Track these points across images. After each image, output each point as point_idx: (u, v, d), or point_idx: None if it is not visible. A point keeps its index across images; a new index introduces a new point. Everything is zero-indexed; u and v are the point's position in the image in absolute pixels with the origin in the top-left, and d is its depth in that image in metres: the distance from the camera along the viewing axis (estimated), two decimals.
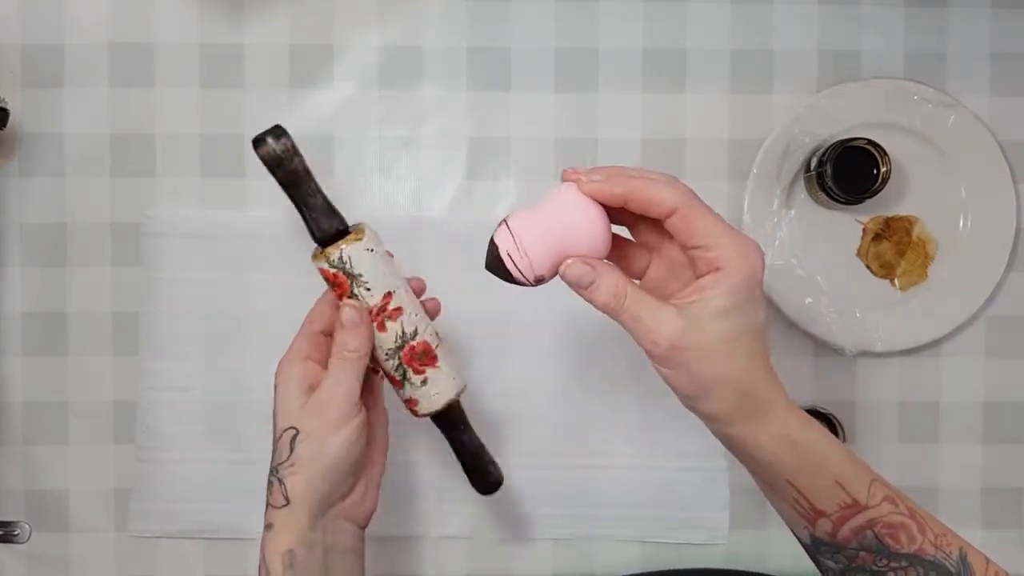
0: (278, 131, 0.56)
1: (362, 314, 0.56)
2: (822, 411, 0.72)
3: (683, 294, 0.48)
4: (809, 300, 0.72)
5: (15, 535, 0.72)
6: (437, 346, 0.59)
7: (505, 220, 0.51)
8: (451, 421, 0.60)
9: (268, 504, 0.54)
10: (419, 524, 0.72)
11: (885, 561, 0.49)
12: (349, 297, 0.56)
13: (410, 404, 0.59)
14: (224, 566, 0.73)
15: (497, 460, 0.62)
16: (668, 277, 0.52)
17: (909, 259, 0.73)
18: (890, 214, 0.73)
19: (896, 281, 0.73)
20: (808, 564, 0.70)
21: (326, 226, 0.57)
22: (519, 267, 0.50)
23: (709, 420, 0.50)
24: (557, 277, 0.50)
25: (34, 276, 0.72)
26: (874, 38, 0.73)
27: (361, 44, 0.73)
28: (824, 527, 0.50)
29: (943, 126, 0.72)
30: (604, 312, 0.49)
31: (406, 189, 0.73)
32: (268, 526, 0.53)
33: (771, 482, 0.51)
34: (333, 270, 0.56)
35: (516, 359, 0.72)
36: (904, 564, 0.49)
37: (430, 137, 0.73)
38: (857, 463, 0.50)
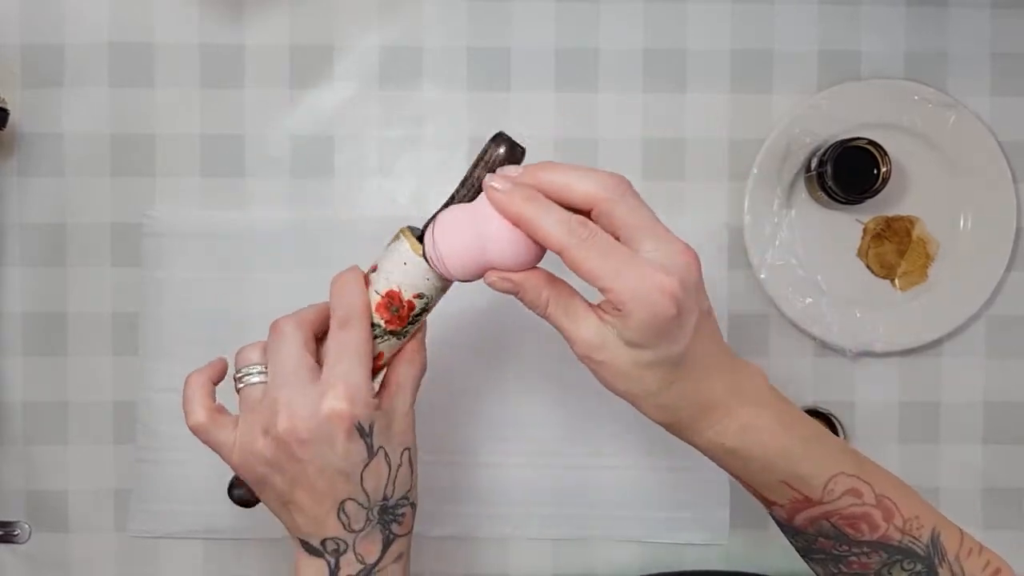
0: (512, 143, 0.50)
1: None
2: (822, 411, 0.72)
3: (604, 305, 0.47)
4: (809, 300, 0.72)
5: (15, 535, 0.72)
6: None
7: (435, 217, 0.49)
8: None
9: (395, 537, 0.51)
10: (419, 524, 0.72)
11: (846, 547, 0.49)
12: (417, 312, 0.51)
13: None
14: (224, 566, 0.73)
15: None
16: None
17: (909, 259, 0.73)
18: (890, 214, 0.73)
19: (896, 281, 0.73)
20: (807, 565, 0.70)
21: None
22: (438, 271, 0.49)
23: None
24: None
25: (34, 276, 0.72)
26: (874, 38, 0.73)
27: (361, 44, 0.73)
28: (779, 513, 0.51)
29: (943, 126, 0.71)
30: (533, 311, 0.49)
31: (406, 189, 0.73)
32: (399, 557, 0.51)
33: (725, 471, 0.51)
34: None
35: (516, 359, 0.72)
36: (866, 550, 0.49)
37: (430, 137, 0.73)
38: (818, 461, 0.49)
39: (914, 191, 0.72)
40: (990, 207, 0.72)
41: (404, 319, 0.51)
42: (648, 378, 0.47)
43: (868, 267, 0.73)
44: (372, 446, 0.48)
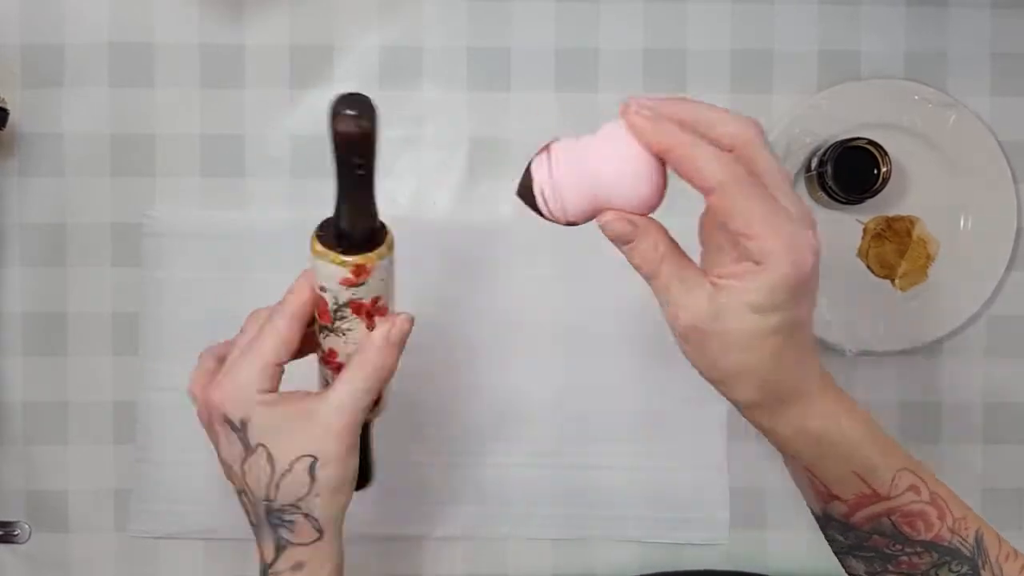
0: (367, 107, 0.45)
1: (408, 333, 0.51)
2: None
3: (722, 272, 0.44)
4: None
5: (15, 535, 0.71)
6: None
7: (548, 146, 0.45)
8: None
9: (288, 544, 0.49)
10: (419, 524, 0.72)
11: (899, 547, 0.48)
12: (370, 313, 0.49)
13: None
14: (224, 567, 0.73)
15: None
16: (718, 232, 0.46)
17: (909, 259, 0.73)
18: (890, 214, 0.73)
19: (896, 281, 0.73)
20: (807, 565, 0.70)
21: (370, 223, 0.49)
22: (551, 209, 0.45)
23: (730, 401, 0.47)
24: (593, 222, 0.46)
25: (34, 276, 0.72)
26: (874, 38, 0.73)
27: (361, 44, 0.73)
28: (838, 509, 0.48)
29: (943, 126, 0.71)
30: (637, 271, 0.46)
31: (406, 189, 0.73)
32: (297, 566, 0.49)
33: (791, 463, 0.49)
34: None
35: (516, 359, 0.72)
36: (919, 550, 0.47)
37: (430, 137, 0.73)
38: (887, 453, 0.47)
39: (914, 191, 0.72)
40: (990, 207, 0.72)
41: (325, 313, 0.50)
42: (766, 348, 0.43)
43: (868, 267, 0.73)
44: (247, 442, 0.48)
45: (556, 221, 0.46)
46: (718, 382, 0.46)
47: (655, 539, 0.73)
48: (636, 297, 0.72)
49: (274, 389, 0.50)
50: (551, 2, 0.73)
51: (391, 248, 0.50)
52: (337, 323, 0.50)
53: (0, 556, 0.72)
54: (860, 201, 0.69)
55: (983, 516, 0.73)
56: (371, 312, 0.50)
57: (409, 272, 0.72)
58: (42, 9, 0.71)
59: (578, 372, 0.72)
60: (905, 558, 0.48)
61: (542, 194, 0.45)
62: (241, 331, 0.52)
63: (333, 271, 0.48)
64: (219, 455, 0.51)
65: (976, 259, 0.72)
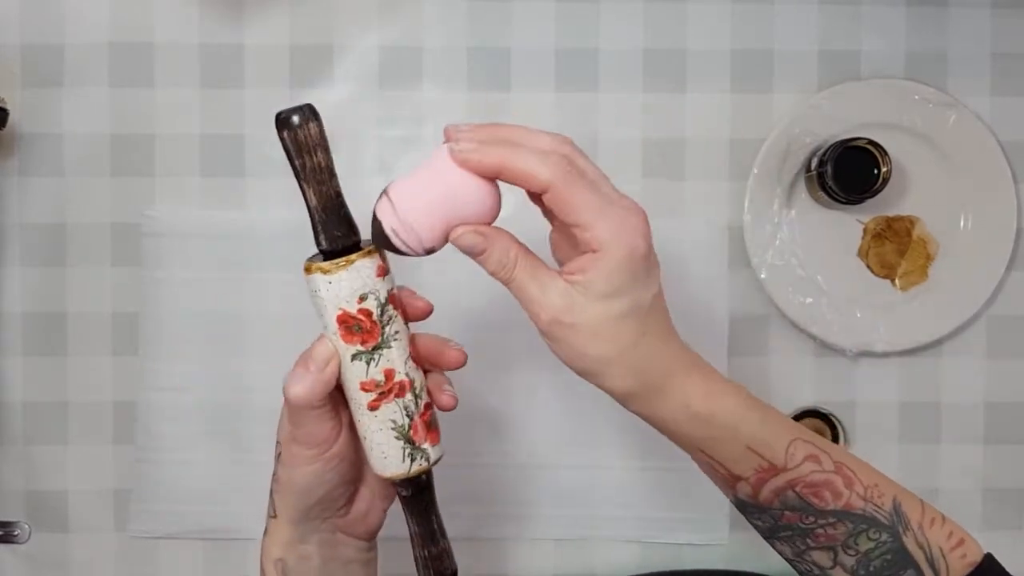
0: (308, 111, 0.47)
1: (334, 357, 0.48)
2: (822, 411, 0.72)
3: (569, 268, 0.47)
4: (809, 300, 0.72)
5: (15, 535, 0.71)
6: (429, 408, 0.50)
7: (386, 191, 0.47)
8: (415, 490, 0.51)
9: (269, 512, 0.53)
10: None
11: (812, 519, 0.48)
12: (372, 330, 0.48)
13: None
14: (224, 567, 0.73)
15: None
16: (563, 240, 0.50)
17: (910, 259, 0.73)
18: (891, 214, 0.73)
19: (897, 281, 0.73)
20: None
21: (345, 230, 0.48)
22: (406, 243, 0.47)
23: (609, 395, 0.49)
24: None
25: (34, 276, 0.72)
26: (874, 38, 0.73)
27: (361, 44, 0.73)
28: (744, 490, 0.49)
29: (944, 126, 0.71)
30: (494, 278, 0.48)
31: None
32: (265, 531, 0.53)
33: (687, 450, 0.50)
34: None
35: (516, 359, 0.72)
36: (832, 520, 0.48)
37: (430, 137, 0.73)
38: (774, 425, 0.49)
39: (914, 191, 0.72)
40: (990, 207, 0.72)
41: (373, 331, 0.47)
42: (622, 332, 0.46)
43: (868, 267, 0.73)
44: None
45: (416, 254, 0.48)
46: (589, 374, 0.48)
47: (655, 539, 0.73)
48: None
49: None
50: (551, 2, 0.73)
51: (367, 255, 0.49)
52: (386, 329, 0.48)
53: (0, 556, 0.72)
54: (860, 201, 0.69)
55: (983, 516, 0.74)
56: (401, 302, 0.50)
57: (409, 272, 0.72)
58: (42, 9, 0.71)
59: None
60: (821, 530, 0.48)
61: (395, 234, 0.47)
62: None
63: (367, 269, 0.47)
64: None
65: (976, 259, 0.72)
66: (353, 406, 0.49)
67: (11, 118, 0.70)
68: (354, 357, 0.48)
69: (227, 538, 0.72)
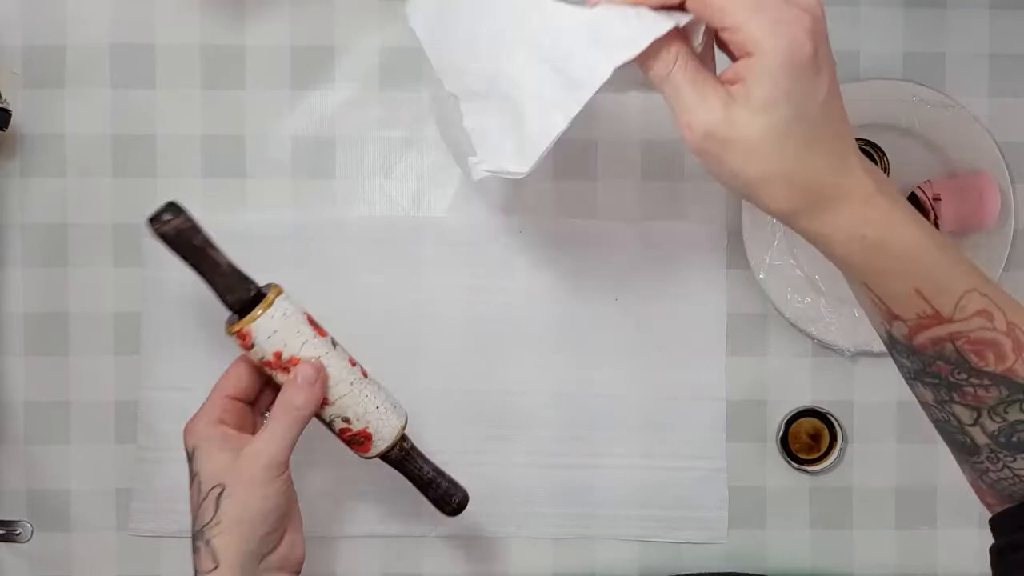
0: (174, 208, 0.56)
1: (319, 373, 0.55)
2: (820, 411, 0.72)
3: (725, 75, 0.42)
4: (808, 300, 0.72)
5: (17, 534, 0.72)
6: (367, 410, 0.59)
7: None
8: (399, 457, 0.62)
9: (196, 570, 0.52)
10: (419, 524, 0.73)
11: (964, 376, 0.44)
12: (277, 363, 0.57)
13: (355, 449, 0.61)
14: None
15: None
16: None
17: None
18: None
19: None
20: (807, 565, 0.70)
21: (241, 293, 0.57)
22: None
23: (768, 213, 0.45)
24: None
25: (35, 276, 0.72)
26: (873, 39, 0.73)
27: (362, 45, 0.73)
28: (900, 330, 0.45)
29: (941, 127, 0.72)
30: (652, 80, 0.44)
31: (407, 189, 0.73)
32: None
33: (848, 279, 0.47)
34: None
35: (516, 359, 0.72)
36: (987, 382, 0.44)
37: (430, 137, 0.73)
38: (953, 270, 0.44)
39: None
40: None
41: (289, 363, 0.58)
42: (787, 147, 0.41)
43: None
44: (192, 470, 0.54)
45: None
46: (746, 194, 0.44)
47: (654, 538, 0.73)
48: (631, 297, 0.73)
49: (227, 423, 0.54)
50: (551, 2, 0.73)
51: (268, 305, 0.56)
52: (274, 374, 0.58)
53: (2, 555, 0.72)
54: None
55: (982, 516, 0.73)
56: (281, 366, 0.57)
57: (409, 272, 0.73)
58: (44, 10, 0.72)
59: (578, 372, 0.73)
60: (971, 389, 0.45)
61: None
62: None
63: (233, 340, 0.57)
64: None
65: (974, 259, 0.71)
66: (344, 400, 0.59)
67: (13, 119, 0.70)
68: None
69: None
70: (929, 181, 0.70)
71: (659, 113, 0.72)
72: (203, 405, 0.56)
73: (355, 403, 0.58)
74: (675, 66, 0.42)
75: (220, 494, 0.50)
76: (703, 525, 0.73)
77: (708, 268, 0.73)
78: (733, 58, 0.43)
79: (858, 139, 0.68)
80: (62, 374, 0.72)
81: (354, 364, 0.59)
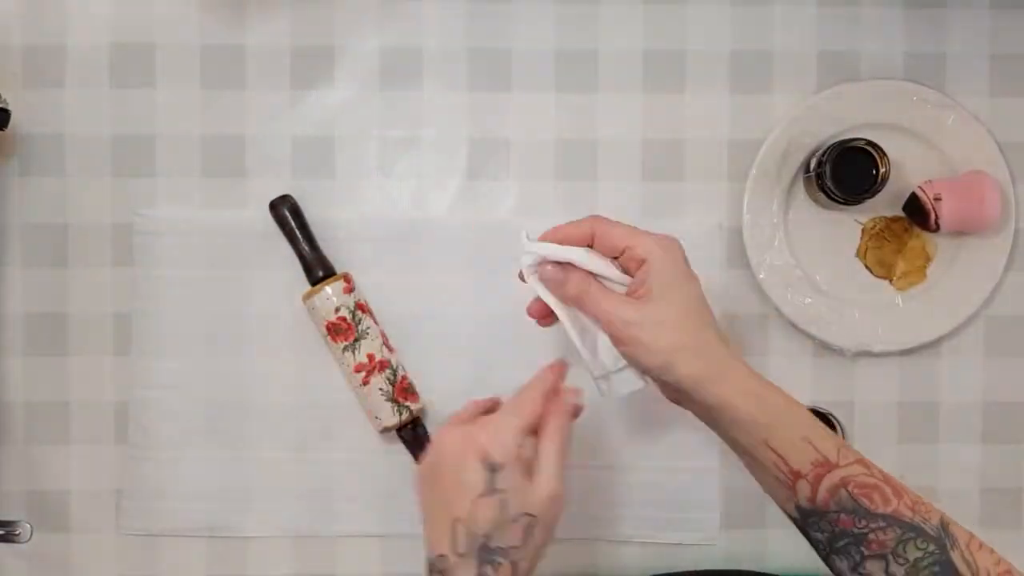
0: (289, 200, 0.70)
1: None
2: (821, 411, 0.72)
3: (630, 289, 0.56)
4: (808, 300, 0.72)
5: (16, 535, 0.71)
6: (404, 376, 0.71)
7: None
8: (416, 436, 0.71)
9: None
10: (419, 524, 0.72)
11: (864, 522, 0.50)
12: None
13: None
14: (225, 565, 0.73)
15: None
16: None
17: (908, 259, 0.73)
18: (889, 215, 0.73)
19: (895, 281, 0.73)
20: (806, 564, 0.70)
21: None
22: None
23: (685, 389, 0.54)
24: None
25: (35, 276, 0.72)
26: (873, 39, 0.73)
27: (362, 45, 0.73)
28: (804, 491, 0.52)
29: (942, 126, 0.72)
30: (575, 304, 0.57)
31: (406, 189, 0.73)
32: None
33: (751, 449, 0.53)
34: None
35: (516, 359, 0.72)
36: (882, 524, 0.50)
37: (430, 137, 0.73)
38: (822, 426, 0.53)
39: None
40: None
41: (350, 330, 0.70)
42: (687, 324, 0.54)
43: (867, 267, 0.73)
44: (493, 484, 0.52)
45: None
46: (664, 367, 0.54)
47: (649, 539, 0.73)
48: None
49: (523, 446, 0.54)
50: (551, 2, 0.73)
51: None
52: (359, 328, 0.69)
53: (1, 556, 0.72)
54: (859, 201, 0.69)
55: (982, 516, 0.74)
56: (366, 306, 0.71)
57: (409, 272, 0.73)
58: (44, 10, 0.72)
59: (577, 373, 0.72)
60: (873, 535, 0.50)
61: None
62: (512, 400, 0.57)
63: (334, 288, 0.69)
64: (435, 480, 0.55)
65: (975, 259, 0.72)
66: (353, 386, 0.71)
67: (13, 118, 0.70)
68: (344, 350, 0.70)
69: (223, 536, 0.72)
70: (930, 181, 0.70)
71: (660, 113, 0.73)
72: (506, 422, 0.54)
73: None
74: (590, 286, 0.56)
75: (529, 524, 0.52)
76: (695, 526, 0.73)
77: (708, 268, 0.72)
78: (631, 273, 0.56)
79: (858, 139, 0.68)
80: (61, 374, 0.72)
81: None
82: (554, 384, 0.57)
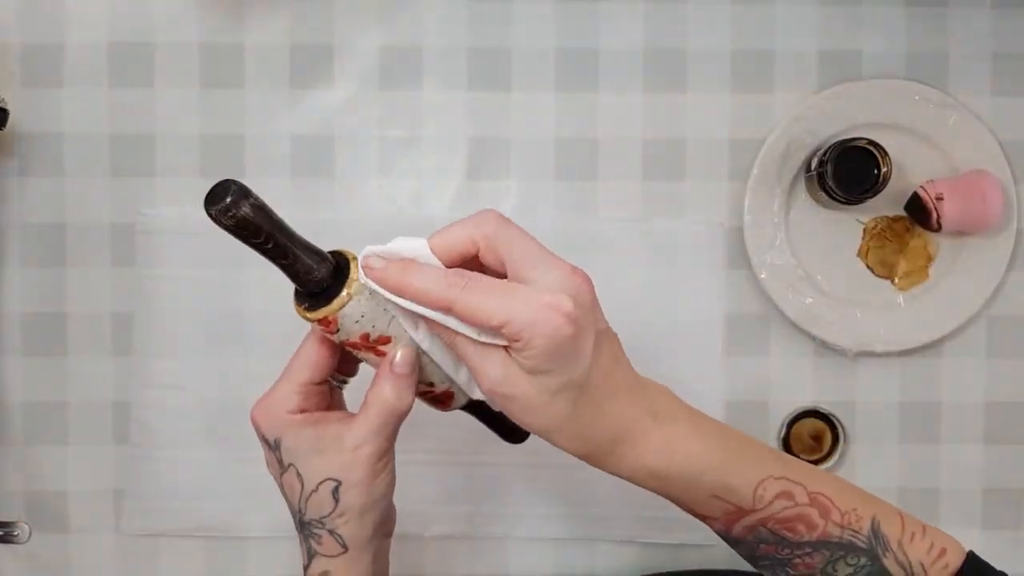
0: (240, 189, 0.47)
1: (414, 365, 0.50)
2: (822, 411, 0.72)
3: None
4: (809, 300, 0.72)
5: (15, 535, 0.71)
6: (447, 372, 0.53)
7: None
8: (475, 404, 0.56)
9: (316, 554, 0.51)
10: (419, 524, 0.72)
11: (788, 551, 0.49)
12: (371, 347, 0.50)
13: (436, 406, 0.56)
14: (225, 566, 0.73)
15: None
16: None
17: (910, 259, 0.73)
18: (891, 214, 0.73)
19: (897, 281, 0.73)
20: None
21: (324, 271, 0.50)
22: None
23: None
24: None
25: (34, 276, 0.72)
26: (875, 38, 0.73)
27: (361, 44, 0.73)
28: (716, 527, 0.51)
29: (944, 126, 0.71)
30: (447, 345, 0.49)
31: (406, 189, 0.73)
32: (324, 574, 0.51)
33: (658, 495, 0.51)
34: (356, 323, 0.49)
35: None
36: (808, 550, 0.49)
37: (430, 137, 0.73)
38: (742, 467, 0.49)
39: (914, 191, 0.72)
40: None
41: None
42: (556, 406, 0.46)
43: (868, 267, 0.73)
44: (282, 460, 0.50)
45: None
46: (540, 436, 0.48)
47: (650, 540, 0.73)
48: (632, 297, 0.73)
49: (308, 408, 0.51)
50: (551, 2, 0.73)
51: (355, 291, 0.48)
52: (361, 354, 0.51)
53: (0, 556, 0.72)
54: (860, 201, 0.69)
55: (983, 516, 0.73)
56: (369, 347, 0.50)
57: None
58: (42, 9, 0.71)
59: None
60: (799, 559, 0.50)
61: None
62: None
63: (315, 327, 0.50)
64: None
65: (976, 259, 0.72)
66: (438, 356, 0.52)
67: (11, 118, 0.70)
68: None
69: (223, 536, 0.72)
70: (932, 181, 0.70)
71: (660, 112, 0.73)
72: (277, 390, 0.51)
73: (436, 368, 0.52)
74: (457, 336, 0.46)
75: (336, 488, 0.50)
76: (696, 526, 0.72)
77: (709, 268, 0.73)
78: None
79: (859, 138, 0.68)
80: (60, 374, 0.72)
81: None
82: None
